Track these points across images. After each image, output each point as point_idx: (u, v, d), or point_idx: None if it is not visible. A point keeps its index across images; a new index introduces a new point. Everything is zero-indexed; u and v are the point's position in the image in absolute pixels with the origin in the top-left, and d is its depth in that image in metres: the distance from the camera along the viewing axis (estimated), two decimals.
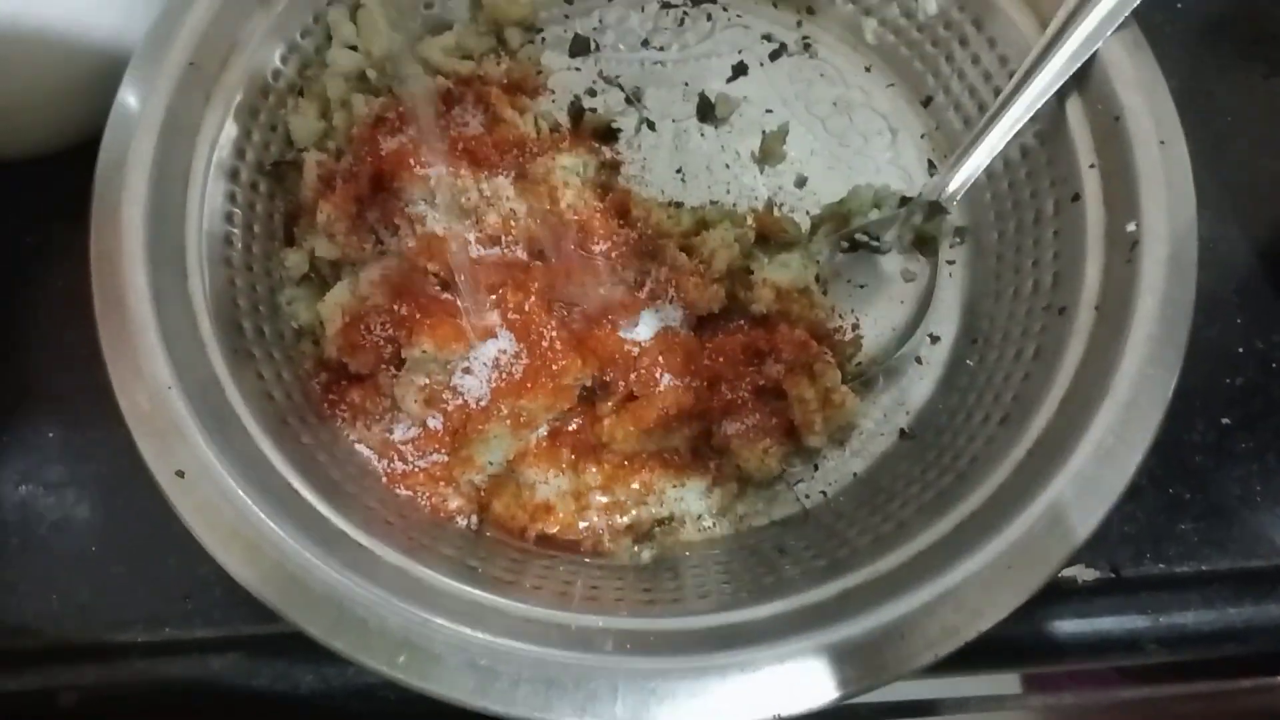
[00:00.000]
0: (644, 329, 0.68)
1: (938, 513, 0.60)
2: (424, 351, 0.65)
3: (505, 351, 0.65)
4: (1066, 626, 0.70)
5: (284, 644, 0.68)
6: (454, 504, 0.66)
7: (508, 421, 0.65)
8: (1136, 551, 0.71)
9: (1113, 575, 0.71)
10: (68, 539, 0.70)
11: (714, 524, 0.67)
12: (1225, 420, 0.74)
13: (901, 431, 0.70)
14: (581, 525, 0.66)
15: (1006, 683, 1.08)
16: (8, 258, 0.78)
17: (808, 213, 0.76)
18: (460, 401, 0.65)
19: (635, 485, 0.66)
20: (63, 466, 0.72)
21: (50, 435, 0.73)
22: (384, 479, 0.66)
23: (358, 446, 0.67)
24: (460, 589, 0.58)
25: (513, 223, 0.68)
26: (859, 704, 0.58)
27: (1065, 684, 1.04)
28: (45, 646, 0.68)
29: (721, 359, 0.67)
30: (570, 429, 0.67)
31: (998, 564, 0.56)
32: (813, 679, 0.53)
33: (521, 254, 0.68)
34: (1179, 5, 0.87)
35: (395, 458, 0.67)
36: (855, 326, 0.72)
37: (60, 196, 0.73)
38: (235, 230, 0.69)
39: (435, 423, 0.66)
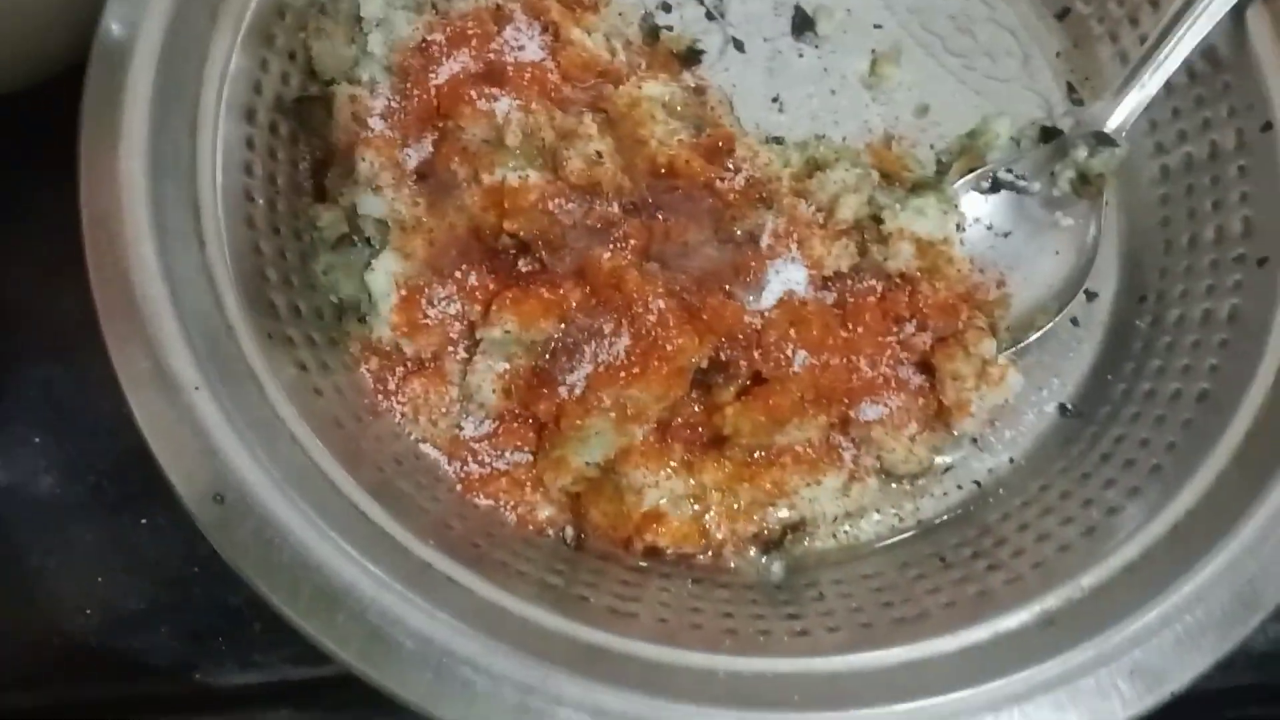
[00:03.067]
0: (767, 295, 0.56)
1: (1139, 516, 0.50)
2: (506, 331, 0.53)
3: (605, 329, 0.53)
4: None
5: (349, 693, 0.55)
6: (544, 514, 0.55)
7: (611, 415, 0.53)
8: None
9: None
10: (67, 569, 0.58)
11: (855, 530, 0.57)
12: None
13: (1062, 408, 0.60)
14: (699, 534, 0.55)
15: None
16: None
17: (932, 147, 0.65)
18: (551, 391, 0.53)
19: (762, 485, 0.55)
20: (54, 479, 0.60)
21: (37, 441, 0.60)
22: (458, 486, 0.55)
23: (423, 447, 0.56)
24: (577, 628, 0.47)
25: (600, 167, 0.55)
26: None
27: None
28: (53, 706, 0.55)
29: (860, 329, 0.56)
30: (680, 422, 0.56)
31: (1235, 574, 0.46)
32: None
33: (614, 207, 0.55)
34: None
35: (470, 459, 0.55)
36: (1000, 284, 0.61)
37: (31, 140, 0.59)
38: (255, 183, 0.56)
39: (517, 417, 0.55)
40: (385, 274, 0.55)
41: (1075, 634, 0.46)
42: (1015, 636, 0.47)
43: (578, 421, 0.53)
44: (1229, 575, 0.46)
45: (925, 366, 0.57)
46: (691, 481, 0.55)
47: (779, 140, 0.64)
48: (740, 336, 0.55)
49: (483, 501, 0.55)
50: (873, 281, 0.58)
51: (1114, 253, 0.63)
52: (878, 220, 0.59)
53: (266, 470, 0.46)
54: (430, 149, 0.57)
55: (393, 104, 0.58)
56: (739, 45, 0.67)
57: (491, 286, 0.55)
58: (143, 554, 0.58)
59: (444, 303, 0.55)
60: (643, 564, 0.54)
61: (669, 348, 0.53)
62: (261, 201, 0.56)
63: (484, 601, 0.47)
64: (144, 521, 0.59)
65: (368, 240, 0.58)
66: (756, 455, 0.55)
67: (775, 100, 0.66)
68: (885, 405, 0.56)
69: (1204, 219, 0.59)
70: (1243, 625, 0.46)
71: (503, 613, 0.47)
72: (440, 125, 0.57)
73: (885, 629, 0.49)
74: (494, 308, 0.53)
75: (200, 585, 0.58)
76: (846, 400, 0.56)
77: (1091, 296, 0.62)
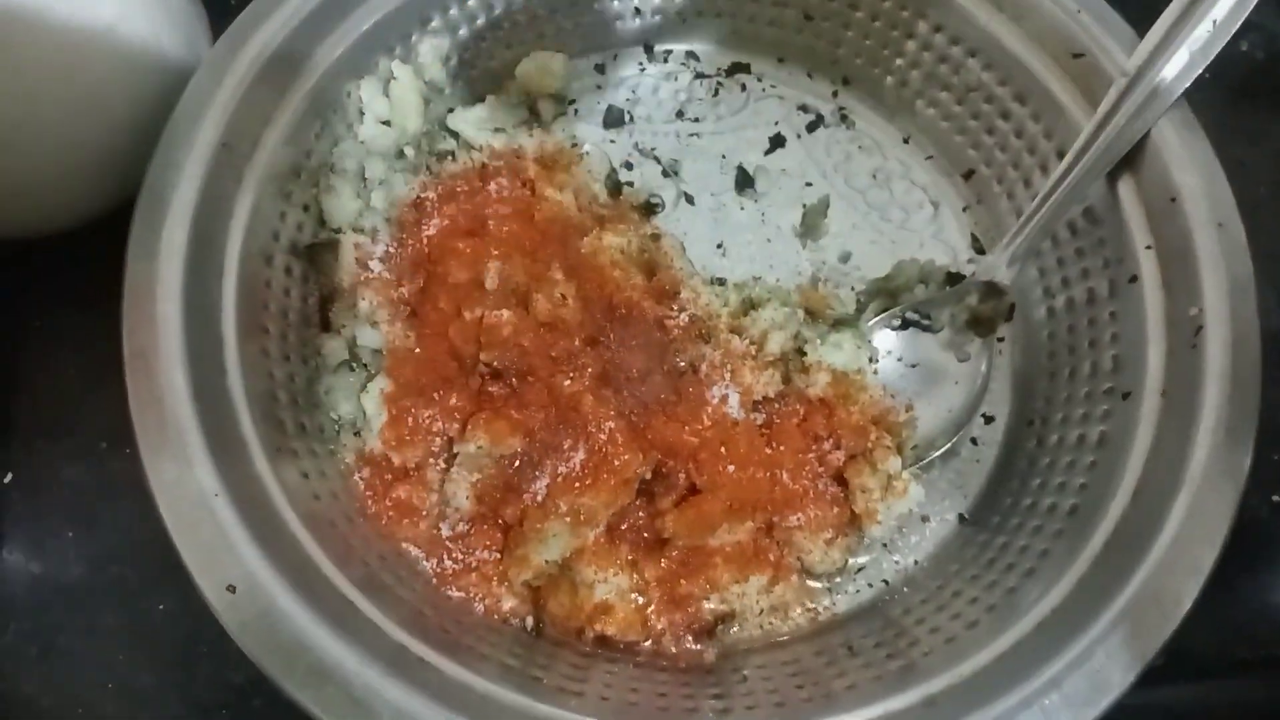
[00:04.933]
0: (703, 417, 0.65)
1: (1014, 612, 0.59)
2: (479, 446, 0.62)
3: (564, 445, 0.63)
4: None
5: None
6: (508, 605, 0.63)
7: (567, 519, 0.62)
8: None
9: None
10: (92, 647, 0.66)
11: (778, 621, 0.65)
12: (1276, 497, 0.74)
13: (961, 517, 0.69)
14: (641, 624, 0.63)
15: None
16: (14, 345, 0.74)
17: (853, 288, 0.75)
18: (516, 498, 0.63)
19: (696, 582, 0.64)
20: (82, 569, 0.68)
21: (69, 535, 0.69)
22: (434, 580, 0.63)
23: (404, 545, 0.64)
24: (530, 703, 0.55)
25: (564, 308, 0.65)
26: None
27: None
28: None
29: (783, 446, 0.65)
30: (626, 525, 0.65)
31: (1087, 664, 0.55)
32: None
33: (575, 341, 0.65)
34: (1206, 75, 0.87)
35: (445, 556, 0.64)
36: (908, 408, 0.70)
37: (68, 279, 0.69)
38: (270, 317, 0.66)
39: (486, 520, 0.64)
40: (378, 396, 0.65)
41: (952, 713, 0.54)
42: (901, 715, 0.55)
43: (538, 525, 0.62)
44: (1083, 662, 0.54)
45: (839, 479, 0.67)
46: (636, 578, 0.64)
47: (722, 281, 0.74)
48: (679, 452, 0.64)
49: (455, 593, 0.63)
50: (796, 405, 0.68)
51: (1008, 382, 0.73)
52: (801, 353, 0.69)
53: (271, 565, 0.55)
54: (420, 289, 0.67)
55: (390, 250, 0.68)
56: (689, 199, 0.78)
57: (468, 408, 0.64)
58: (157, 636, 0.66)
59: (427, 421, 0.64)
60: (592, 650, 0.63)
61: (617, 462, 0.62)
62: (274, 333, 0.66)
63: (451, 680, 0.55)
64: (161, 607, 0.67)
65: (365, 366, 0.68)
66: (692, 556, 0.64)
67: (719, 246, 0.76)
68: (805, 513, 0.65)
69: (1082, 355, 0.69)
70: (1094, 707, 0.54)
71: (467, 690, 0.55)
72: (430, 269, 0.67)
73: (795, 707, 0.57)
74: (470, 426, 0.63)
75: (207, 664, 0.66)
76: (771, 508, 0.65)
77: (989, 420, 0.72)
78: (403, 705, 0.52)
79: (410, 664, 0.55)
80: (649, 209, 0.77)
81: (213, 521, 0.55)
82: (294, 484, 0.60)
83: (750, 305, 0.71)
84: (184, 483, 0.56)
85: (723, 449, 0.64)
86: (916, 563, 0.68)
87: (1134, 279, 0.66)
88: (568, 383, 0.64)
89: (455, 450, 0.63)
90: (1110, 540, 0.60)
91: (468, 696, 0.54)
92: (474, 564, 0.64)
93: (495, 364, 0.64)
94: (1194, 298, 0.62)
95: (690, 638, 0.64)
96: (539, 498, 0.63)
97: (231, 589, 0.54)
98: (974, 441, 0.71)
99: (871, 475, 0.65)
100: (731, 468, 0.64)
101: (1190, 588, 0.56)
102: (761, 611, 0.65)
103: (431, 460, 0.64)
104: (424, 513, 0.64)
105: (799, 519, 0.65)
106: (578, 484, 0.62)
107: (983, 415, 0.71)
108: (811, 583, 0.67)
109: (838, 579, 0.67)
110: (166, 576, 0.65)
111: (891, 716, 0.55)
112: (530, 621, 0.64)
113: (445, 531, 0.64)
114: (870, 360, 0.70)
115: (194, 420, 0.57)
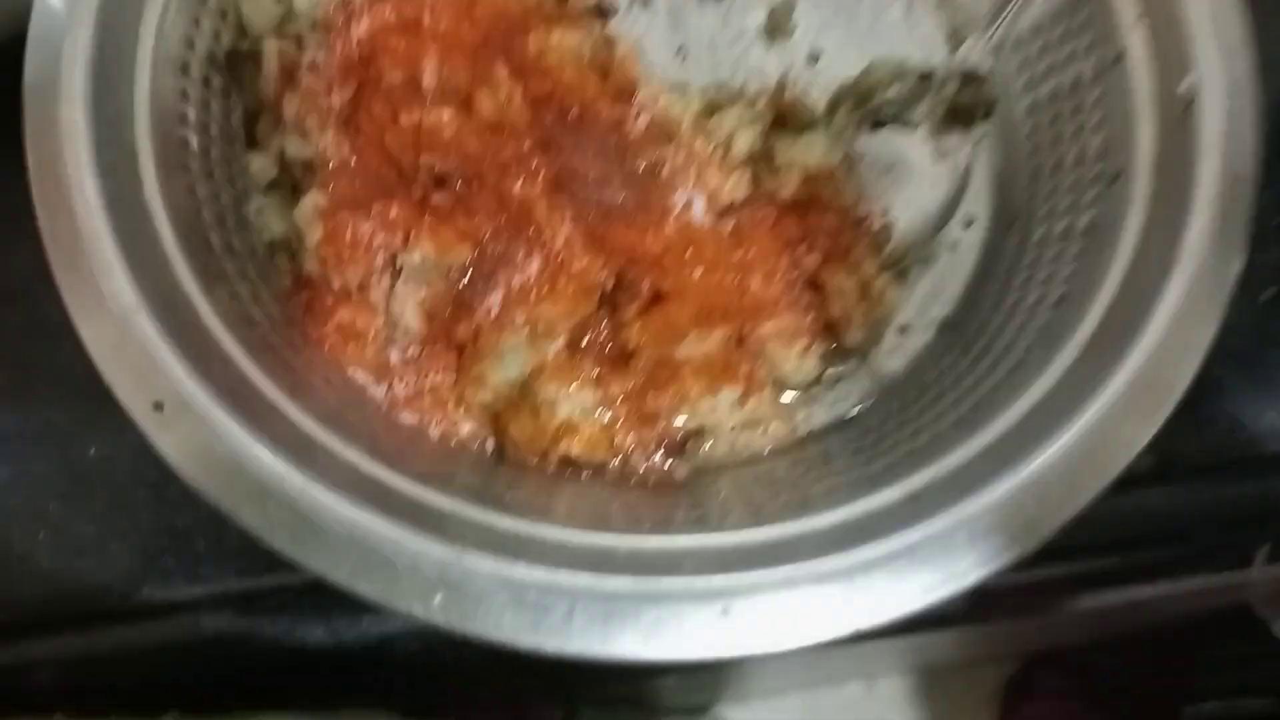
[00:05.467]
0: (666, 223, 0.61)
1: (1004, 403, 0.56)
2: (424, 258, 0.57)
3: (517, 255, 0.58)
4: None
5: (285, 597, 0.61)
6: (465, 429, 0.60)
7: (525, 331, 0.58)
8: None
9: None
10: (23, 498, 0.62)
11: (751, 436, 0.62)
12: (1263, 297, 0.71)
13: (941, 323, 0.66)
14: (608, 443, 0.60)
15: None
16: None
17: (823, 90, 0.70)
18: (468, 314, 0.58)
19: (664, 397, 0.60)
20: (7, 415, 0.64)
21: None
22: (384, 407, 0.59)
23: (351, 371, 0.60)
24: (494, 518, 0.52)
25: (511, 107, 0.60)
26: None
27: None
28: (10, 620, 0.60)
29: (753, 250, 0.61)
30: (588, 340, 0.61)
31: (1077, 450, 0.52)
32: (893, 588, 0.49)
33: (525, 145, 0.60)
34: None
35: (395, 381, 0.60)
36: (884, 212, 0.66)
37: None
38: (190, 133, 0.60)
39: (438, 340, 0.60)
40: (311, 210, 0.60)
41: (935, 505, 0.51)
42: (883, 512, 0.52)
43: (494, 338, 0.58)
44: (1073, 450, 0.52)
45: (814, 286, 0.63)
46: (601, 393, 0.60)
47: (682, 88, 0.69)
48: (642, 258, 0.60)
49: (408, 419, 0.59)
50: (766, 209, 0.63)
51: (987, 184, 0.68)
52: (770, 156, 0.64)
53: (202, 383, 0.50)
54: (353, 95, 0.62)
55: (317, 56, 0.63)
56: (645, 2, 0.72)
57: (411, 218, 0.59)
58: (92, 481, 0.62)
59: (367, 235, 0.59)
60: (558, 472, 0.59)
61: (575, 268, 0.58)
62: (196, 148, 0.60)
63: (406, 498, 0.51)
64: (93, 451, 0.63)
65: (296, 184, 0.62)
66: (659, 368, 0.60)
67: (679, 51, 0.70)
68: (777, 320, 0.61)
69: (1067, 145, 0.64)
70: (1087, 491, 0.51)
71: (424, 506, 0.51)
72: (362, 73, 0.62)
73: (773, 512, 0.54)
74: (412, 236, 0.58)
75: (147, 510, 0.62)
76: (741, 315, 0.61)
77: (968, 223, 0.68)
78: (356, 521, 0.49)
79: (362, 481, 0.51)
80: (602, 12, 0.70)
81: (135, 338, 0.50)
82: (225, 305, 0.55)
83: (714, 109, 0.66)
84: (103, 300, 0.51)
85: (688, 253, 0.60)
86: (898, 372, 0.65)
87: (1119, 58, 0.62)
88: (518, 187, 0.59)
89: (399, 265, 0.59)
90: (1100, 328, 0.56)
91: (426, 513, 0.51)
92: (426, 388, 0.60)
93: (438, 170, 0.59)
94: (1185, 66, 0.58)
95: (660, 455, 0.60)
96: (493, 313, 0.59)
97: (159, 406, 0.50)
98: (953, 247, 0.67)
99: (848, 277, 0.61)
100: (699, 272, 0.60)
101: (1185, 372, 0.53)
102: (734, 428, 0.62)
103: (375, 280, 0.60)
104: (370, 337, 0.60)
105: (772, 327, 0.61)
106: (534, 295, 0.58)
107: (962, 220, 0.67)
108: (786, 397, 0.63)
109: (813, 391, 0.64)
110: (100, 419, 0.62)
111: (873, 513, 0.52)
112: (490, 445, 0.60)
113: (395, 358, 0.60)
114: (844, 163, 0.65)
115: (109, 233, 0.52)
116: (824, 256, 0.62)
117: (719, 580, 0.49)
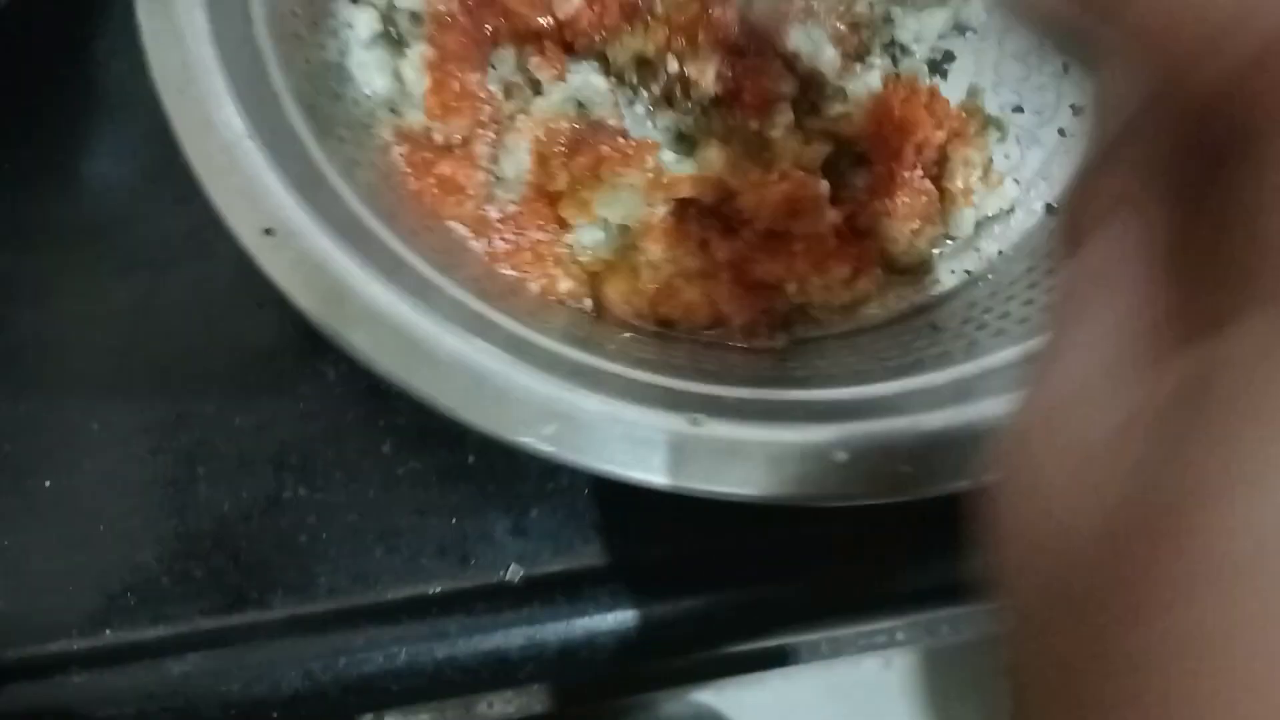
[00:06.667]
0: None
1: None
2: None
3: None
4: None
5: (258, 635, 0.56)
6: (564, 286, 0.59)
7: (649, 174, 0.57)
8: None
9: None
10: None
11: (856, 313, 0.60)
12: None
13: (1048, 206, 0.64)
14: (709, 308, 0.58)
15: None
16: None
17: None
18: (590, 147, 0.57)
19: (772, 268, 0.59)
20: None
21: None
22: (485, 258, 0.58)
23: (449, 224, 0.59)
24: (598, 362, 0.51)
25: None
26: None
27: None
28: None
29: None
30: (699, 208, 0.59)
31: None
32: None
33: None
34: None
35: (495, 236, 0.59)
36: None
37: None
38: None
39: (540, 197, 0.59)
40: (418, 61, 0.59)
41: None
42: (999, 370, 0.51)
43: (617, 169, 0.57)
44: None
45: (931, 167, 0.61)
46: (705, 259, 0.59)
47: None
48: None
49: (507, 271, 0.58)
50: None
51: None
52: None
53: (313, 212, 0.50)
54: None
55: None
56: None
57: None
58: (46, 515, 0.59)
59: (475, 86, 0.58)
60: (658, 331, 0.58)
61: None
62: None
63: (513, 335, 0.51)
64: (48, 484, 0.60)
65: (400, 38, 0.62)
66: (769, 239, 0.58)
67: None
68: (893, 199, 0.60)
69: None
70: None
71: (530, 345, 0.50)
72: None
73: (881, 374, 0.53)
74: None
75: (108, 545, 0.59)
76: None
77: (1077, 111, 0.66)
78: (466, 350, 0.48)
79: (470, 316, 0.50)
80: None
81: (244, 164, 0.50)
82: (332, 146, 0.55)
83: None
84: (213, 125, 0.50)
85: None
86: (1001, 253, 0.63)
87: None
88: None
89: (516, 112, 0.58)
90: None
91: (534, 350, 0.50)
92: (527, 244, 0.59)
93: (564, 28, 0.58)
94: None
95: (762, 326, 0.59)
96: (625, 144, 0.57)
97: (270, 231, 0.49)
98: (1061, 132, 0.65)
99: (978, 151, 0.60)
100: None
101: None
102: (840, 306, 0.60)
103: (480, 131, 0.59)
104: (470, 191, 0.59)
105: (887, 204, 0.60)
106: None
107: (1072, 106, 0.66)
108: (894, 276, 0.62)
109: (920, 270, 0.62)
110: (54, 453, 0.60)
111: (989, 371, 0.51)
112: (589, 303, 0.59)
113: (494, 214, 0.59)
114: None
115: (216, 62, 0.51)
116: (950, 133, 0.60)
117: (834, 429, 0.47)
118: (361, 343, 0.48)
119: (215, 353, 0.64)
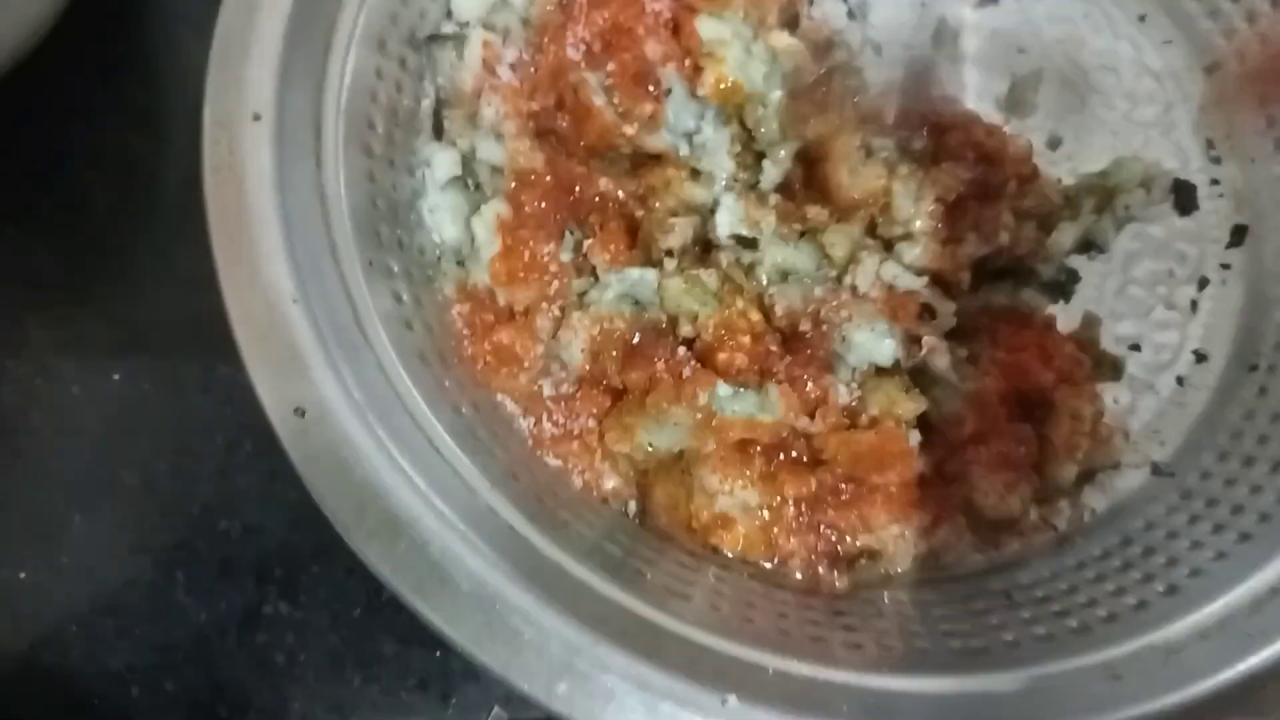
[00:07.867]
0: None
1: (1228, 581, 0.48)
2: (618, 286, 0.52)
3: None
4: None
5: None
6: (610, 484, 0.54)
7: (698, 415, 0.52)
8: None
9: None
10: None
11: (930, 563, 0.55)
12: None
13: (1154, 466, 0.58)
14: (766, 544, 0.53)
15: None
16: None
17: (1059, 180, 0.62)
18: (645, 363, 0.52)
19: (846, 515, 0.53)
20: None
21: None
22: (529, 441, 0.54)
23: (499, 399, 0.55)
24: (630, 600, 0.46)
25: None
26: None
27: None
28: None
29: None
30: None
31: None
32: None
33: None
34: None
35: (544, 417, 0.55)
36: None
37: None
38: (378, 113, 0.56)
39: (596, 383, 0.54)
40: (492, 220, 0.55)
41: (1141, 690, 0.44)
42: (1078, 684, 0.45)
43: (664, 403, 0.52)
44: None
45: (1033, 410, 0.55)
46: (769, 492, 0.53)
47: None
48: None
49: (552, 461, 0.54)
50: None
51: (1232, 316, 0.60)
52: None
53: (349, 391, 0.46)
54: (555, 104, 0.57)
55: (524, 56, 0.58)
56: (877, 49, 0.65)
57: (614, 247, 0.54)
58: (19, 609, 0.57)
59: (547, 258, 0.54)
60: (704, 552, 0.53)
61: None
62: (381, 131, 0.56)
63: (543, 557, 0.46)
64: (23, 575, 0.58)
65: (478, 186, 0.58)
66: (847, 485, 0.53)
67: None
68: (988, 446, 0.54)
69: None
70: None
71: (560, 571, 0.46)
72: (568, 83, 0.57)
73: (943, 657, 0.47)
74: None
75: (79, 647, 0.56)
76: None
77: (1201, 359, 0.60)
78: (485, 578, 0.44)
79: (499, 531, 0.46)
80: (827, 48, 0.64)
81: (286, 331, 0.46)
82: (385, 306, 0.51)
83: None
84: (258, 283, 0.47)
85: None
86: (1094, 512, 0.57)
87: None
88: None
89: (579, 294, 0.53)
90: None
91: (561, 580, 0.45)
92: (576, 431, 0.54)
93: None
94: None
95: (823, 566, 0.54)
96: (683, 372, 0.53)
97: (300, 412, 0.45)
98: (1179, 381, 0.59)
99: (1088, 404, 0.54)
100: None
101: None
102: (914, 556, 0.55)
103: (545, 305, 0.55)
104: (526, 364, 0.55)
105: (980, 451, 0.54)
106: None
107: (1194, 352, 0.59)
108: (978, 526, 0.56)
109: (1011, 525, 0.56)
110: (26, 540, 0.57)
111: (1067, 682, 0.45)
112: (634, 508, 0.55)
113: (548, 390, 0.55)
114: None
115: (275, 211, 0.48)
116: (1059, 378, 0.54)
117: None
118: (379, 559, 0.43)
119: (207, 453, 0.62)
